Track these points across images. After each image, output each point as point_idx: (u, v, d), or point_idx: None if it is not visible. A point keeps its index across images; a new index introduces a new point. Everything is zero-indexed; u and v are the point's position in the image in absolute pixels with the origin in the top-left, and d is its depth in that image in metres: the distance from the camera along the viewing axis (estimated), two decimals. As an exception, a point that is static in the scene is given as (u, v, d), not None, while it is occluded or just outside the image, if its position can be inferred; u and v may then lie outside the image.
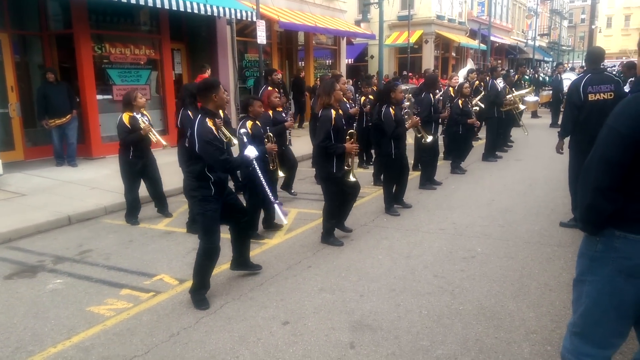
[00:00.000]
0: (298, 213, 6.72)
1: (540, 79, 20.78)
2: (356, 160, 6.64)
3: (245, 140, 5.05)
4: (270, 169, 5.92)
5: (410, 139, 7.17)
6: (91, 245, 5.66)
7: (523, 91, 12.95)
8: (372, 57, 26.29)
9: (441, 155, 9.24)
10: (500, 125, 10.46)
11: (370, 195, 7.61)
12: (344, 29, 17.53)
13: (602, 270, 2.23)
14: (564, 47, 58.50)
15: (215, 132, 3.97)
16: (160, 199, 6.72)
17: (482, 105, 10.23)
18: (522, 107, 11.78)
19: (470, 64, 17.42)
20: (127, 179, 6.36)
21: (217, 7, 10.97)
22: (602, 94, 5.29)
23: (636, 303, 2.19)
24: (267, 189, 4.96)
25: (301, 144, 10.91)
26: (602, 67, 5.75)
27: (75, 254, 5.42)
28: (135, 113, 6.17)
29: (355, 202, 6.68)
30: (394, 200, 6.64)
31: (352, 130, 5.61)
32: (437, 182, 8.10)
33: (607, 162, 2.11)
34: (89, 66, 9.92)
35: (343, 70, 18.53)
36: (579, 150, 5.41)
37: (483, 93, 10.54)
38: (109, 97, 10.58)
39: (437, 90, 9.27)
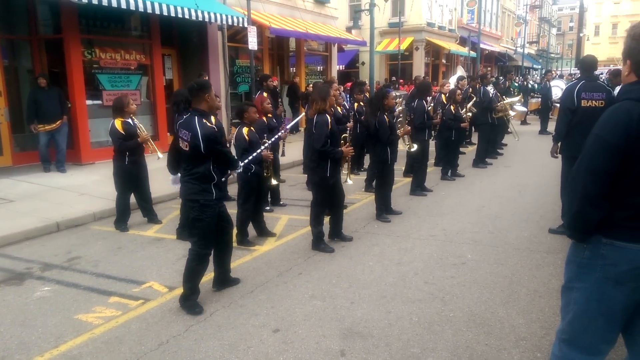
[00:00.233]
0: (289, 219, 6.71)
1: (530, 86, 20.99)
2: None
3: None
4: (264, 175, 5.92)
5: (401, 145, 7.20)
6: (80, 252, 5.61)
7: (514, 99, 13.08)
8: (363, 63, 26.39)
9: (431, 161, 9.29)
10: (492, 131, 10.57)
11: (361, 201, 7.62)
12: (335, 35, 17.59)
13: (589, 277, 2.25)
14: (552, 55, 59.21)
15: (216, 130, 4.02)
16: (148, 207, 6.67)
17: (475, 110, 10.34)
18: (512, 113, 11.93)
19: (460, 71, 17.55)
20: (121, 185, 6.31)
21: (208, 13, 10.97)
22: (594, 101, 5.42)
23: (624, 309, 2.21)
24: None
25: (292, 150, 10.91)
26: (595, 75, 5.86)
27: (64, 261, 5.36)
28: (126, 119, 6.15)
29: (347, 209, 6.72)
30: (383, 211, 6.65)
31: (345, 135, 5.70)
32: (428, 189, 8.13)
33: (594, 170, 2.13)
34: (79, 71, 9.86)
35: (334, 76, 18.58)
36: (570, 155, 5.51)
37: (475, 99, 10.63)
38: (99, 102, 10.50)
39: (429, 97, 9.32)
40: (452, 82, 13.23)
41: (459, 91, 9.49)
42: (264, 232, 5.97)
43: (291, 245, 5.70)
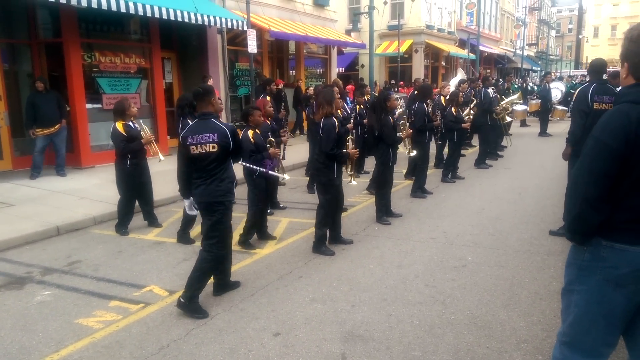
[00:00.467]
0: (289, 222, 6.71)
1: (529, 88, 21.00)
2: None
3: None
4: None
5: (401, 147, 7.21)
6: (80, 256, 5.60)
7: (513, 96, 13.10)
8: (362, 66, 26.42)
9: (431, 163, 9.29)
10: (492, 133, 10.62)
11: (361, 204, 7.62)
12: (334, 38, 17.62)
13: (590, 279, 2.25)
14: (551, 57, 59.29)
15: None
16: (149, 210, 6.67)
17: (474, 111, 10.37)
18: (508, 118, 12.00)
19: (460, 74, 17.56)
20: (125, 188, 6.30)
21: (208, 16, 10.99)
22: (604, 104, 5.46)
23: (625, 312, 2.21)
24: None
25: (293, 152, 10.93)
26: (604, 78, 5.90)
27: (64, 265, 5.36)
28: (127, 122, 6.17)
29: (346, 212, 6.73)
30: (383, 213, 6.65)
31: (351, 137, 5.88)
32: (428, 192, 8.13)
33: (594, 173, 2.13)
34: (79, 75, 9.87)
35: (339, 80, 18.59)
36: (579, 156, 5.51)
37: (476, 101, 10.66)
38: (99, 106, 10.51)
39: (429, 100, 9.35)
40: (452, 84, 13.28)
41: (461, 94, 9.52)
42: (264, 236, 5.97)
43: (291, 248, 5.70)
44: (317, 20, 17.78)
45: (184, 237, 5.96)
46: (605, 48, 64.07)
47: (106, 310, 4.23)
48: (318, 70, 18.99)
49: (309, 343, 3.59)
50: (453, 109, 8.97)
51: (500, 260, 5.13)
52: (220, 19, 11.42)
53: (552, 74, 23.04)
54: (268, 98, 8.38)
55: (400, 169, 8.22)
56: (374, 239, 5.96)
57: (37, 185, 8.52)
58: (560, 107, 17.87)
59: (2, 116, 9.28)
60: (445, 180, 9.05)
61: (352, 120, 8.36)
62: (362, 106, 9.21)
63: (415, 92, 10.70)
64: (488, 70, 34.61)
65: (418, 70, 27.44)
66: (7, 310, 4.29)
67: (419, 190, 8.03)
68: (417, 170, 8.23)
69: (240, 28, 12.21)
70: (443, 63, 31.74)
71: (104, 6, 8.75)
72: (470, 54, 29.65)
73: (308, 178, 8.87)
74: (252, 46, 11.85)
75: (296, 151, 10.77)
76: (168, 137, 11.79)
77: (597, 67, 5.91)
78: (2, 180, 8.59)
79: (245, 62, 14.10)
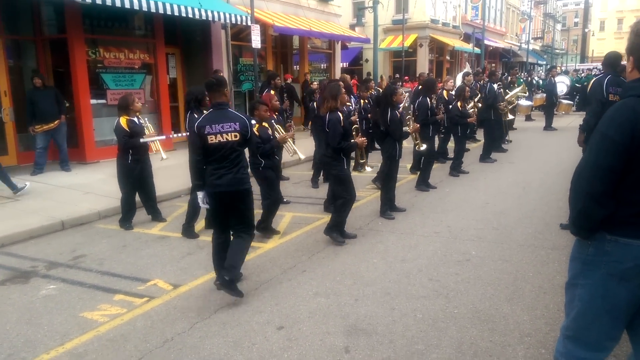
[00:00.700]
0: (293, 217, 6.71)
1: (534, 82, 20.89)
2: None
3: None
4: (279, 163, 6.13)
5: (406, 142, 7.20)
6: (85, 251, 5.63)
7: (517, 89, 13.05)
8: (366, 60, 26.34)
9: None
10: (497, 127, 10.58)
11: (364, 199, 7.61)
12: (338, 33, 17.58)
13: (594, 273, 2.24)
14: (557, 51, 58.91)
15: None
16: (152, 205, 6.69)
17: (479, 105, 10.35)
18: (511, 116, 11.97)
19: (467, 68, 17.45)
20: (125, 183, 6.32)
21: (212, 12, 10.99)
22: (618, 96, 5.43)
23: (629, 306, 2.20)
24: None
25: (298, 147, 10.90)
26: (618, 70, 5.91)
27: (69, 259, 5.39)
28: (132, 117, 6.19)
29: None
30: (388, 207, 6.65)
31: (356, 125, 6.00)
32: (432, 186, 8.12)
33: (599, 167, 2.12)
34: (83, 71, 9.89)
35: (338, 74, 18.56)
36: None
37: (480, 95, 10.63)
38: (103, 101, 10.54)
39: (434, 94, 9.33)
40: (459, 79, 13.24)
41: (467, 88, 9.50)
42: (268, 230, 5.98)
43: (295, 242, 5.71)
44: (321, 15, 17.73)
45: (188, 230, 5.98)
46: (611, 42, 63.54)
47: (111, 304, 4.25)
48: (322, 65, 18.95)
49: (313, 337, 3.60)
50: (459, 104, 8.95)
51: (504, 254, 5.12)
52: (224, 14, 11.41)
53: (558, 68, 22.87)
54: (272, 92, 8.38)
55: (404, 163, 8.21)
56: (377, 233, 5.96)
57: (42, 180, 8.56)
58: (565, 101, 17.79)
59: (7, 112, 9.32)
60: (452, 174, 9.04)
61: (355, 114, 8.34)
62: (366, 101, 9.19)
63: (420, 86, 10.66)
64: (493, 65, 34.43)
65: (422, 64, 27.32)
66: (12, 304, 4.33)
67: (423, 183, 8.03)
68: (423, 163, 8.22)
69: (244, 23, 12.19)
70: (448, 57, 31.57)
71: (108, 2, 8.77)
72: (475, 48, 29.50)
73: (312, 172, 8.88)
74: (256, 41, 11.83)
75: (301, 146, 10.74)
76: (172, 132, 11.81)
77: (612, 60, 5.97)
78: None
79: (249, 57, 14.09)
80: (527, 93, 16.28)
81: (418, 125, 7.28)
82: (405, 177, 8.86)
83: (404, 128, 6.77)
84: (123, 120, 6.12)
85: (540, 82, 21.14)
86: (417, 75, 17.33)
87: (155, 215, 6.69)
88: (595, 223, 2.17)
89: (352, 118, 7.77)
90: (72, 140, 10.23)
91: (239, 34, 14.22)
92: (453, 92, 10.18)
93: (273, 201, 5.83)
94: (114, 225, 6.52)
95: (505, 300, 4.08)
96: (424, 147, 7.57)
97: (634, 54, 2.21)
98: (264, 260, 5.16)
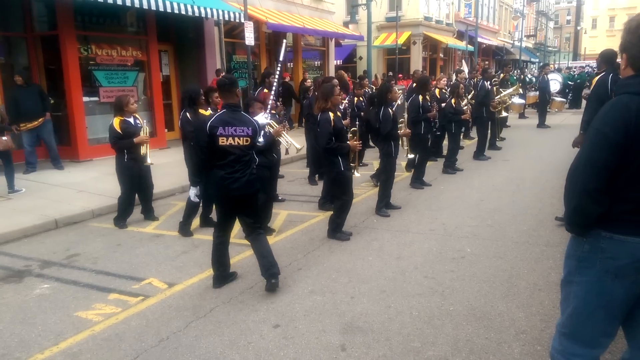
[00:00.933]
0: (288, 215, 6.70)
1: (527, 79, 20.97)
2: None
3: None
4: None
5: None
6: (78, 250, 5.60)
7: (509, 90, 13.10)
8: (360, 58, 26.34)
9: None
10: (490, 125, 10.61)
11: (359, 196, 7.61)
12: (332, 30, 17.55)
13: (589, 270, 2.25)
14: (550, 48, 59.15)
15: None
16: (148, 203, 6.65)
17: (471, 103, 10.39)
18: (505, 113, 11.99)
19: (462, 65, 17.44)
20: (124, 182, 6.25)
21: (205, 8, 10.93)
22: None
23: (624, 303, 2.21)
24: None
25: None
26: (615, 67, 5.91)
27: (63, 258, 5.35)
28: (126, 117, 6.13)
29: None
30: (384, 205, 6.66)
31: (354, 129, 5.94)
32: (427, 183, 8.14)
33: (594, 164, 2.12)
34: (75, 68, 9.81)
35: (332, 71, 18.55)
36: None
37: (473, 92, 10.66)
38: (96, 99, 10.47)
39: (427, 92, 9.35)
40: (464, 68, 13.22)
41: (461, 85, 9.52)
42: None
43: (290, 240, 5.70)
44: (314, 12, 17.69)
45: (184, 228, 5.95)
46: (603, 39, 63.93)
47: (105, 303, 4.23)
48: (316, 62, 18.92)
49: (309, 335, 3.60)
50: (453, 101, 8.97)
51: (499, 251, 5.14)
52: (217, 11, 11.35)
53: (551, 65, 22.98)
54: (266, 90, 8.34)
55: (399, 161, 8.21)
56: (372, 230, 5.97)
57: (35, 178, 8.49)
58: (558, 99, 17.88)
59: (-2, 109, 9.22)
60: (447, 171, 9.06)
61: (347, 117, 8.31)
62: (360, 98, 9.18)
63: (414, 84, 10.68)
64: (486, 62, 34.53)
65: (416, 62, 27.36)
66: (6, 303, 4.29)
67: (418, 181, 8.04)
68: (417, 161, 8.23)
69: (237, 20, 12.15)
70: (441, 55, 31.63)
71: (100, -2, 8.69)
72: (468, 45, 29.57)
73: (307, 170, 8.87)
74: (249, 38, 11.78)
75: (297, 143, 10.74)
76: (166, 130, 11.76)
77: (610, 57, 5.94)
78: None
79: (243, 54, 14.05)
80: (521, 91, 16.35)
81: (409, 131, 7.23)
82: (400, 175, 8.87)
83: (399, 129, 6.78)
84: (116, 122, 6.05)
85: (534, 79, 21.22)
86: (412, 73, 17.35)
87: (148, 214, 6.65)
88: (590, 220, 2.18)
89: (345, 122, 7.76)
90: (64, 138, 10.16)
91: (232, 31, 14.17)
92: (445, 90, 10.23)
93: (265, 200, 5.75)
94: (108, 223, 6.48)
95: (501, 297, 4.10)
96: (411, 155, 7.58)
97: (627, 52, 2.21)
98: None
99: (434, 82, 11.00)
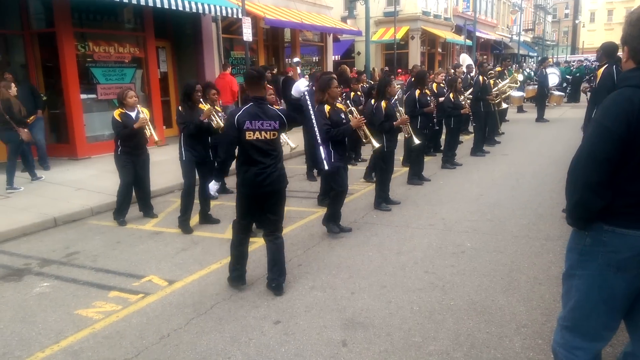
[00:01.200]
0: (287, 211, 6.65)
1: (525, 73, 20.92)
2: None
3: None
4: None
5: (399, 135, 7.16)
6: (78, 247, 5.59)
7: (505, 81, 13.07)
8: (358, 53, 26.27)
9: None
10: (488, 120, 10.58)
11: (359, 192, 7.61)
12: (330, 25, 17.49)
13: (591, 264, 2.24)
14: (548, 42, 59.09)
15: None
16: (146, 200, 6.64)
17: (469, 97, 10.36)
18: (504, 105, 11.93)
19: (468, 59, 17.28)
20: (122, 174, 6.26)
21: (202, 4, 10.87)
22: None
23: (626, 296, 2.21)
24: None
25: (293, 140, 10.84)
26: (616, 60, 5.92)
27: (62, 256, 5.34)
28: (127, 110, 6.14)
29: (345, 199, 6.69)
30: (383, 200, 6.64)
31: (350, 108, 5.83)
32: (426, 178, 8.13)
33: (595, 157, 2.11)
34: (72, 65, 9.76)
35: (330, 66, 18.51)
36: None
37: (472, 89, 10.64)
38: (94, 96, 10.43)
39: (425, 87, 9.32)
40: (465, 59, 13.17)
41: (459, 79, 9.49)
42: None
43: (290, 237, 5.68)
44: (312, 8, 17.62)
45: (184, 224, 5.94)
46: (601, 33, 63.86)
47: (105, 300, 4.22)
48: (314, 58, 18.87)
49: (310, 330, 3.59)
50: (451, 95, 8.95)
51: (499, 245, 5.14)
52: (215, 6, 11.29)
53: (549, 59, 22.92)
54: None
55: (397, 155, 8.20)
56: (372, 226, 5.96)
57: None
58: (557, 93, 17.85)
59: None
60: (445, 166, 9.05)
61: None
62: (358, 93, 9.17)
63: (413, 79, 10.65)
64: (485, 57, 34.46)
65: (414, 57, 27.30)
66: (5, 302, 4.28)
67: (416, 177, 8.03)
68: (412, 157, 8.22)
69: (235, 16, 12.09)
70: (439, 50, 31.57)
71: (97, -5, 8.64)
72: (466, 40, 29.51)
73: (306, 166, 8.85)
74: (247, 34, 11.73)
75: (297, 139, 10.71)
76: (164, 126, 11.72)
77: (612, 50, 5.96)
78: (-3, 172, 8.53)
79: (241, 50, 14.00)
80: (518, 84, 16.29)
81: (407, 117, 7.11)
82: (399, 170, 8.85)
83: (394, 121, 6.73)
84: (116, 113, 6.12)
85: (532, 73, 21.17)
86: (411, 68, 17.30)
87: (147, 211, 6.63)
88: (592, 213, 2.17)
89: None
90: (62, 136, 10.14)
91: (230, 26, 14.11)
92: (442, 85, 10.21)
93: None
94: (107, 221, 6.47)
95: (501, 291, 4.10)
96: (417, 142, 7.43)
97: (629, 44, 2.20)
98: (259, 255, 5.13)
99: (432, 76, 10.99)
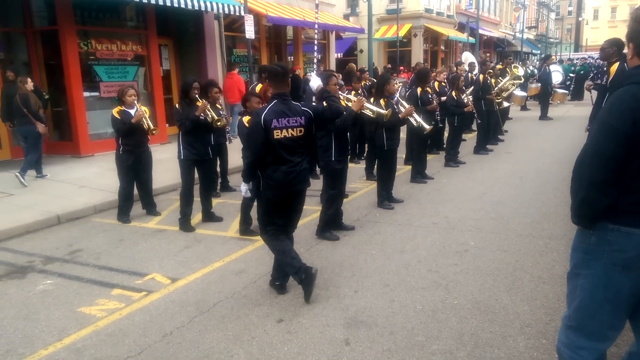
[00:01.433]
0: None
1: (528, 71, 20.84)
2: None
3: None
4: None
5: (402, 132, 7.14)
6: (81, 245, 5.59)
7: (508, 77, 13.02)
8: (361, 51, 26.23)
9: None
10: (490, 118, 10.53)
11: (362, 190, 7.60)
12: (332, 23, 17.47)
13: (596, 263, 2.23)
14: (551, 40, 58.88)
15: None
16: (148, 198, 6.64)
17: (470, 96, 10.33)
18: (506, 104, 11.87)
19: (471, 57, 17.21)
20: (121, 174, 6.27)
21: (205, 2, 10.86)
22: None
23: (631, 295, 2.20)
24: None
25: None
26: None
27: (65, 254, 5.35)
28: (126, 108, 6.14)
29: (348, 198, 6.70)
30: (385, 198, 6.63)
31: (349, 96, 5.80)
32: (429, 177, 8.11)
33: (601, 156, 2.10)
34: (75, 63, 9.77)
35: (332, 64, 18.47)
36: None
37: (472, 88, 10.60)
38: (96, 94, 10.44)
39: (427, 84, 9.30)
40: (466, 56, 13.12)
41: (462, 77, 9.46)
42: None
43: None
44: (314, 5, 17.56)
45: (185, 224, 5.93)
46: (605, 30, 63.55)
47: (109, 298, 4.23)
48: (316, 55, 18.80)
49: (313, 329, 3.59)
50: (454, 93, 8.92)
51: (502, 244, 5.13)
52: (217, 4, 11.29)
53: (552, 57, 22.85)
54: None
55: (400, 154, 8.19)
56: (375, 224, 5.95)
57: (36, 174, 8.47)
58: (560, 91, 17.76)
59: (-2, 105, 9.19)
60: (448, 165, 9.03)
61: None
62: (359, 91, 9.14)
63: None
64: (488, 54, 34.36)
65: (417, 54, 27.24)
66: (9, 299, 4.29)
67: (419, 175, 8.01)
68: (414, 155, 8.20)
69: (237, 13, 12.08)
70: (442, 47, 31.49)
71: (99, -7, 8.64)
72: (469, 37, 29.42)
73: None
74: (249, 32, 11.72)
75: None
76: (167, 124, 11.72)
77: (620, 45, 5.95)
78: (1, 169, 8.55)
79: (243, 48, 13.99)
80: (522, 79, 16.22)
81: (412, 107, 6.98)
82: (402, 168, 8.84)
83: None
84: (115, 111, 6.13)
85: (536, 71, 21.08)
86: (414, 65, 17.26)
87: (150, 209, 6.64)
88: (597, 212, 2.16)
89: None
90: (66, 133, 10.15)
91: (232, 24, 14.10)
92: (444, 83, 10.17)
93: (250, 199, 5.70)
94: (110, 219, 6.48)
95: (505, 290, 4.09)
96: (427, 127, 7.16)
97: (634, 41, 2.19)
98: (261, 252, 5.13)
99: (434, 74, 10.95)
